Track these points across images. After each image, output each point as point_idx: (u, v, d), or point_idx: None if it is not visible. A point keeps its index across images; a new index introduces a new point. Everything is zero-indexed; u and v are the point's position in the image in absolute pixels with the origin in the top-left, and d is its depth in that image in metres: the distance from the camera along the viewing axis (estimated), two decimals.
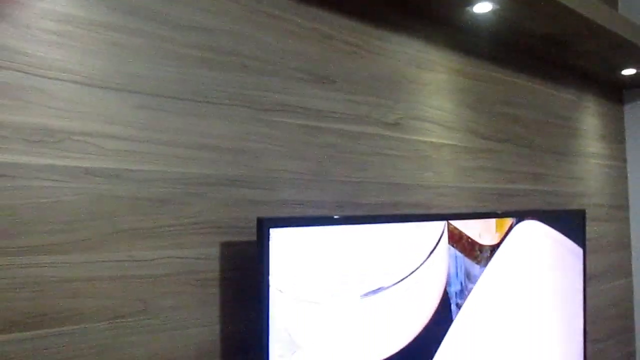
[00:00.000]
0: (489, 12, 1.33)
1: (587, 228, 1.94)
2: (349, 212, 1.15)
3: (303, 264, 0.95)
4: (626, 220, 2.18)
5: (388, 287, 1.08)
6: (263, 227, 0.90)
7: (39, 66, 0.77)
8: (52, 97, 0.78)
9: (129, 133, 0.85)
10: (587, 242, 1.91)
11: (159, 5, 0.90)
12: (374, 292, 1.06)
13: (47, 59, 0.77)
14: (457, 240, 1.21)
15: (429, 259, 1.15)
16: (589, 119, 2.00)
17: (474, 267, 1.28)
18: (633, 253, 2.19)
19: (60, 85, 0.79)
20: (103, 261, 0.81)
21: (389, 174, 1.24)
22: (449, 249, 1.19)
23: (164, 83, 0.89)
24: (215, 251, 0.95)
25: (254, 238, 0.99)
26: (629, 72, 1.93)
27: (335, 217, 0.98)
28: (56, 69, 0.78)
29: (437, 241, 1.17)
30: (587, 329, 1.90)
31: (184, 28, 0.92)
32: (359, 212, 1.17)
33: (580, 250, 1.62)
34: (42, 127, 0.76)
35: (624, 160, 2.20)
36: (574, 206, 1.85)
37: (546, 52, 1.68)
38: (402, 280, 1.10)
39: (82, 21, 0.81)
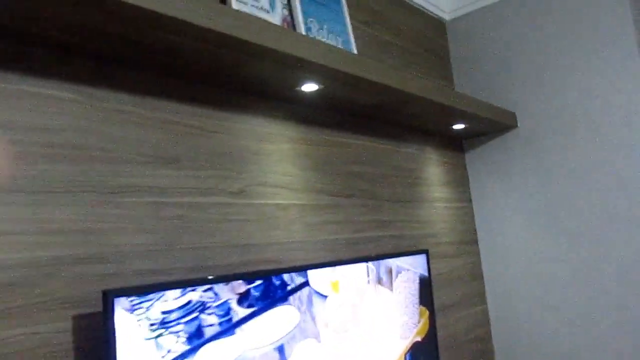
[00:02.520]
0: (316, 90, 1.57)
1: (441, 264, 2.20)
2: (200, 275, 1.29)
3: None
4: (477, 253, 2.48)
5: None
6: (107, 298, 1.03)
7: None
8: None
9: None
10: (440, 276, 2.17)
11: (6, 114, 1.03)
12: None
13: None
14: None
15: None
16: (432, 168, 2.30)
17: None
18: (485, 282, 2.48)
19: None
20: None
21: (237, 237, 1.41)
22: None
23: (12, 180, 1.01)
24: (68, 325, 1.05)
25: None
26: (458, 127, 2.26)
27: (178, 280, 1.13)
28: None
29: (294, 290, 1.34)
30: (450, 354, 2.13)
31: (30, 130, 1.06)
32: (210, 274, 1.32)
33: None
34: None
35: (470, 201, 2.52)
36: (423, 246, 2.11)
37: (382, 115, 1.96)
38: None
39: None
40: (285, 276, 1.37)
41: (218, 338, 1.20)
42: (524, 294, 2.39)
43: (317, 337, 1.46)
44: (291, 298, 1.40)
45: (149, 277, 1.20)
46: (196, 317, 1.16)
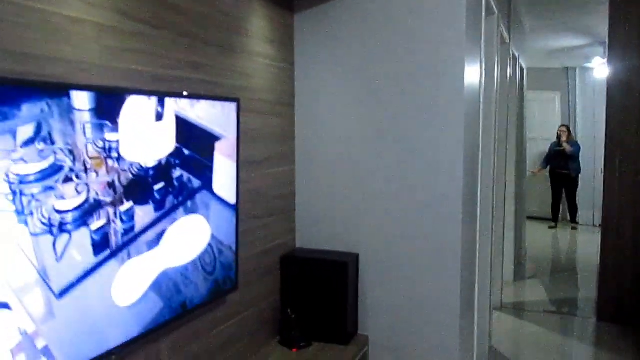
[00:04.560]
0: None
1: (254, 119, 2.19)
2: None
3: None
4: (291, 116, 2.52)
5: None
6: None
7: None
8: None
9: None
10: (251, 132, 2.17)
11: None
12: None
13: None
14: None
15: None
16: (258, 20, 2.21)
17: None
18: (296, 144, 2.56)
19: None
20: None
21: (13, 43, 1.21)
22: None
23: None
24: None
25: None
26: None
27: None
28: None
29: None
30: (251, 206, 2.19)
31: None
32: None
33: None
34: None
35: (292, 64, 2.51)
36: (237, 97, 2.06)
37: None
38: None
39: None
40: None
41: None
42: (330, 159, 2.52)
43: None
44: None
45: None
46: None
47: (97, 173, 1.35)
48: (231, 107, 1.90)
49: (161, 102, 1.55)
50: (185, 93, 1.66)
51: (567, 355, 3.78)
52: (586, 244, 7.08)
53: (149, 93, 1.50)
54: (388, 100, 2.40)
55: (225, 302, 2.05)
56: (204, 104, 1.74)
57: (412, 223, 2.40)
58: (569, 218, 7.91)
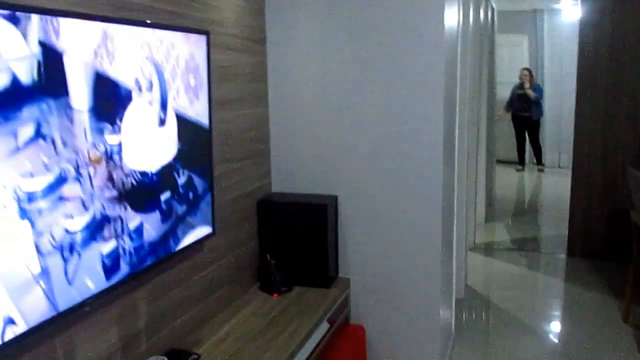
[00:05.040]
0: None
1: (224, 56, 2.05)
2: None
3: None
4: (263, 53, 2.38)
5: None
6: None
7: None
8: None
9: None
10: (222, 69, 2.03)
11: None
12: None
13: None
14: None
15: None
16: None
17: None
18: (269, 84, 2.43)
19: None
20: None
21: None
22: None
23: None
24: None
25: None
26: None
27: None
28: None
29: None
30: (224, 149, 2.08)
31: None
32: None
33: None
34: None
35: None
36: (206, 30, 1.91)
37: None
38: None
39: None
40: None
41: None
42: (305, 100, 2.41)
43: None
44: None
45: None
46: None
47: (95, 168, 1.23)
48: (201, 41, 1.76)
49: (163, 107, 1.45)
50: (148, 21, 1.51)
51: (539, 289, 3.87)
52: (553, 185, 7.23)
53: (104, 19, 1.36)
54: (366, 39, 2.28)
55: (202, 248, 1.97)
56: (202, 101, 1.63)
57: (393, 164, 2.33)
58: (534, 161, 8.02)
